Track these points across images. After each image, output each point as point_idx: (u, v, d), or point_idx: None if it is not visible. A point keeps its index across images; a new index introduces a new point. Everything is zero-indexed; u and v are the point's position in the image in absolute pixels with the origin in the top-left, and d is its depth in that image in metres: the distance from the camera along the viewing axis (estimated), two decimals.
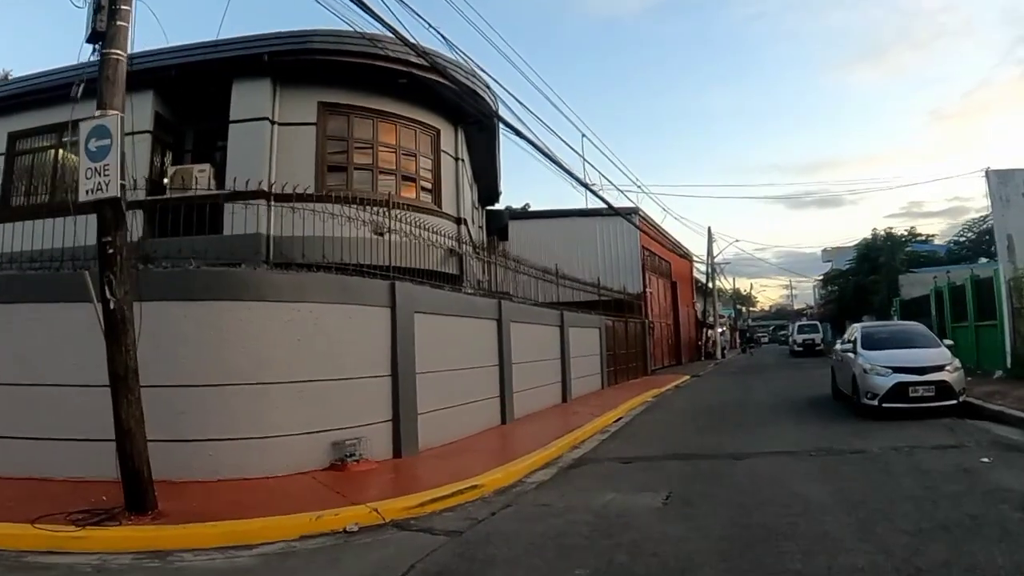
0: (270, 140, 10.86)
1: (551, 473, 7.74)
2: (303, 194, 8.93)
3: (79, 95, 5.91)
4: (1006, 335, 14.45)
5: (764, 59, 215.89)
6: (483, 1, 12.85)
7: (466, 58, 11.66)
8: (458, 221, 13.23)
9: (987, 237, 38.61)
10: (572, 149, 76.53)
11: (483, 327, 11.13)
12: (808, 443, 8.66)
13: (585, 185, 17.81)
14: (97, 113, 5.67)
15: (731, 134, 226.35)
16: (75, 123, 5.86)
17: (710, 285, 43.99)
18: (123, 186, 5.55)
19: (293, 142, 11.05)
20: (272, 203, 9.82)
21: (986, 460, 7.08)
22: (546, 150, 14.30)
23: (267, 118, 10.89)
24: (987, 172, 15.33)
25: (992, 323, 15.24)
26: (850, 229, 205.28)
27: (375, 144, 11.76)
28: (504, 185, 18.98)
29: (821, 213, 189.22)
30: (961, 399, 10.36)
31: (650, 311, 27.99)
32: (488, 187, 18.54)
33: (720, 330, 45.96)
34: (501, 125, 13.65)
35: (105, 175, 5.49)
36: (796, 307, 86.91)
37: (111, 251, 5.53)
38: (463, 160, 13.99)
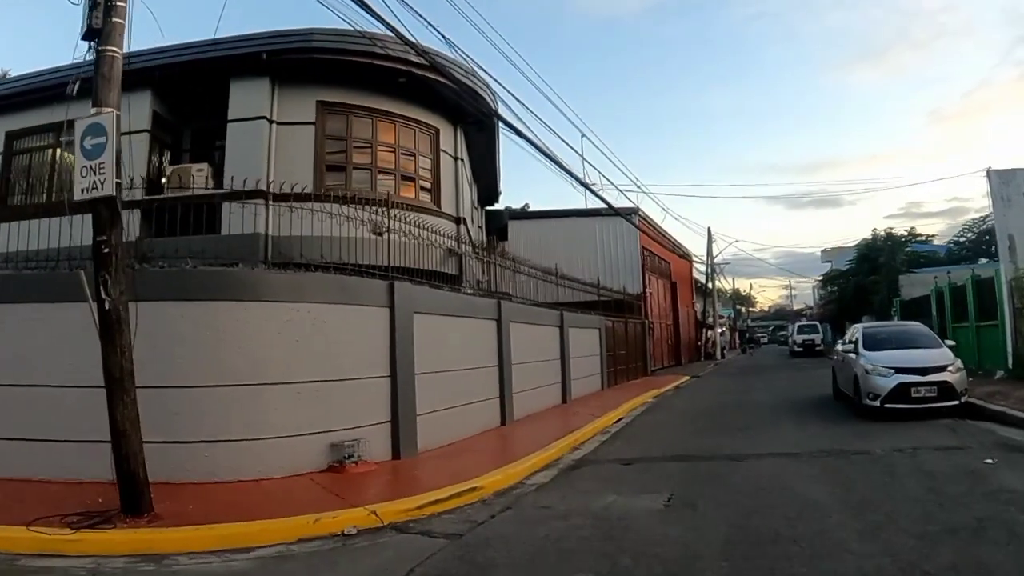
0: (268, 139, 10.80)
1: (551, 475, 7.68)
2: (301, 194, 8.87)
3: (75, 92, 5.85)
4: (1007, 335, 14.40)
5: (764, 59, 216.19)
6: (483, 0, 12.80)
7: (466, 57, 11.62)
8: (457, 221, 13.16)
9: (987, 237, 38.60)
10: (572, 148, 76.42)
11: (482, 327, 11.07)
12: (810, 444, 8.60)
13: (585, 185, 17.76)
14: (93, 111, 5.60)
15: (731, 134, 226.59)
16: (71, 122, 5.79)
17: (710, 285, 43.94)
18: (119, 184, 5.48)
19: (292, 141, 10.99)
20: (270, 203, 9.75)
21: (990, 461, 7.03)
22: (546, 150, 14.25)
23: (265, 117, 10.82)
24: (988, 172, 15.29)
25: (993, 323, 15.20)
26: (849, 230, 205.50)
27: (374, 143, 11.70)
28: (504, 185, 18.96)
29: (820, 213, 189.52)
30: (963, 400, 10.31)
31: (650, 311, 27.93)
32: (488, 187, 18.48)
33: (720, 330, 45.90)
34: (501, 124, 13.59)
35: (100, 173, 5.42)
36: (795, 307, 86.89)
37: (106, 250, 5.46)
38: (462, 160, 13.94)
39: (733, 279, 69.19)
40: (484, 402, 10.72)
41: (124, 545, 5.11)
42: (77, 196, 5.55)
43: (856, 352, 11.58)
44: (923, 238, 39.88)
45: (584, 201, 35.44)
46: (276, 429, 7.11)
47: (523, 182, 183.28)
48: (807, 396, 14.88)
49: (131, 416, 5.53)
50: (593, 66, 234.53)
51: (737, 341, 59.11)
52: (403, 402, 8.31)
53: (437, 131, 12.79)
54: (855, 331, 12.90)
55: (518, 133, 12.67)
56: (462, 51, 14.51)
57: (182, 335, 6.92)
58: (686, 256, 40.43)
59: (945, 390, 10.16)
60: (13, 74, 16.68)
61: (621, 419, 12.68)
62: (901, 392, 10.18)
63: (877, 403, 10.35)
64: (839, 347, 13.85)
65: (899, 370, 10.35)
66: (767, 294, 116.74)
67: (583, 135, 40.73)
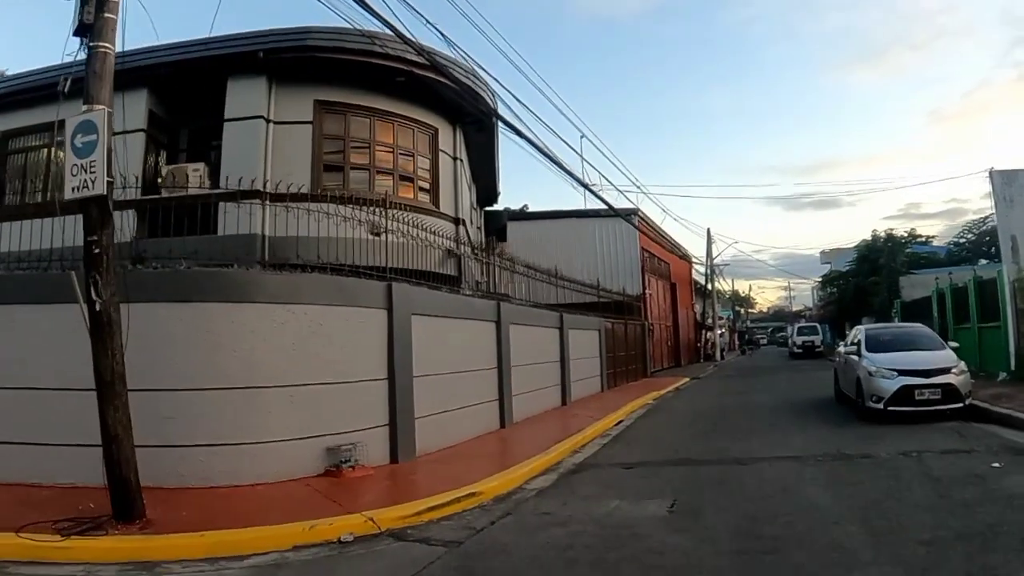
0: (265, 139, 10.70)
1: (552, 479, 7.56)
2: (298, 194, 8.76)
3: (66, 90, 5.72)
4: (1010, 337, 14.30)
5: (764, 60, 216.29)
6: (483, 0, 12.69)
7: (465, 56, 11.53)
8: (456, 221, 13.06)
9: (988, 238, 38.61)
10: (571, 148, 76.47)
11: (481, 329, 10.96)
12: (814, 447, 8.50)
13: (584, 185, 17.67)
14: (84, 108, 5.49)
15: (730, 134, 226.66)
16: (63, 122, 5.68)
17: (709, 287, 43.86)
18: (110, 183, 5.36)
19: (289, 141, 10.89)
20: (267, 203, 9.64)
21: (997, 465, 6.93)
22: (545, 150, 14.16)
23: (262, 116, 10.72)
24: (991, 172, 15.21)
25: (996, 325, 15.10)
26: (848, 231, 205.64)
27: (372, 143, 11.60)
28: (503, 186, 18.86)
29: (819, 215, 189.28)
30: (967, 402, 10.21)
31: (649, 313, 27.84)
32: (487, 187, 18.38)
33: (719, 332, 45.83)
34: (500, 124, 13.49)
35: (91, 172, 5.30)
36: (794, 309, 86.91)
37: (97, 251, 5.34)
38: (461, 160, 13.83)
39: (732, 280, 69.26)
40: (483, 405, 10.60)
41: (115, 552, 5.01)
42: (68, 195, 5.44)
43: (859, 354, 11.48)
44: (923, 239, 39.85)
45: (583, 202, 35.33)
46: (271, 433, 6.99)
47: (522, 183, 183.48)
48: (808, 398, 14.78)
49: (123, 420, 5.41)
50: (593, 66, 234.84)
51: (736, 342, 59.07)
52: (401, 405, 8.20)
53: (436, 131, 12.69)
54: (857, 333, 12.80)
55: (518, 133, 12.58)
56: (462, 50, 14.44)
57: (176, 337, 6.80)
58: (686, 257, 40.36)
59: (949, 392, 10.06)
60: (11, 73, 16.56)
61: (621, 422, 12.57)
62: (905, 394, 10.08)
63: (880, 405, 10.25)
64: (841, 349, 13.75)
65: (902, 372, 10.25)
66: (766, 295, 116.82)
67: (582, 135, 40.75)
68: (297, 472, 7.07)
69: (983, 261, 34.61)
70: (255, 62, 10.55)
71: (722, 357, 41.93)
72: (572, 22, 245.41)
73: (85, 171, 5.32)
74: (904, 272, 30.71)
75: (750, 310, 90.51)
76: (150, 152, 11.37)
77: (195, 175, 10.37)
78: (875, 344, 11.56)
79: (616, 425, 12.11)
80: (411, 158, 12.18)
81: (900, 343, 11.51)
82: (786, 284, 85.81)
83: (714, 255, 42.68)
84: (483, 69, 13.27)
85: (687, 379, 22.94)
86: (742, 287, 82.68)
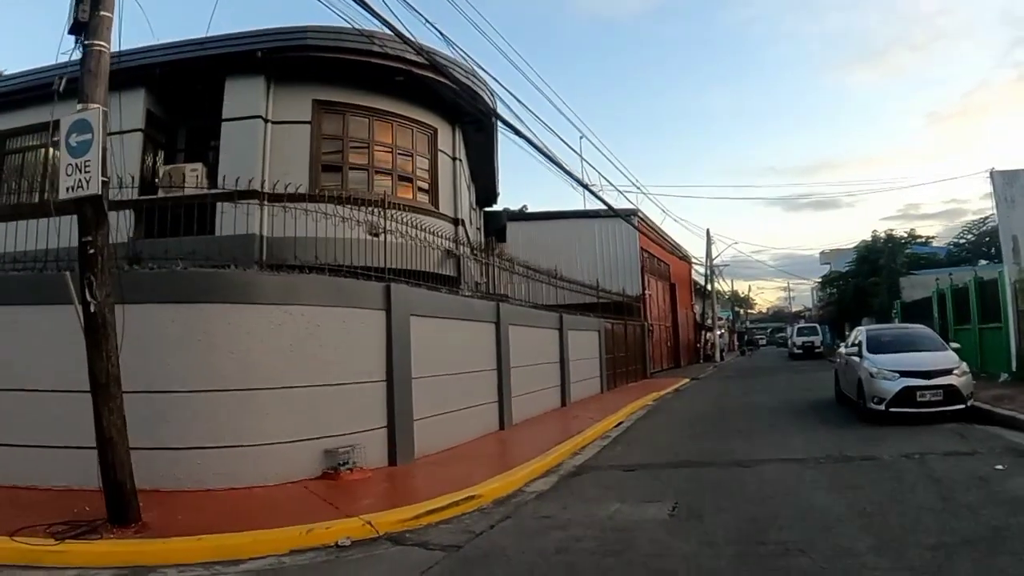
0: (263, 139, 10.65)
1: (552, 482, 7.50)
2: (296, 194, 8.70)
3: (61, 89, 5.67)
4: (1011, 338, 14.23)
5: (763, 60, 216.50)
6: None
7: (465, 56, 11.47)
8: (455, 222, 13.00)
9: (988, 239, 38.59)
10: (571, 148, 76.52)
11: (481, 330, 10.89)
12: (816, 449, 8.43)
13: (584, 186, 17.61)
14: (79, 107, 5.42)
15: (730, 134, 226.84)
16: (58, 121, 5.62)
17: (708, 287, 43.81)
18: (105, 183, 5.29)
19: (287, 141, 10.84)
20: (265, 203, 9.58)
21: (1001, 467, 6.87)
22: (545, 150, 14.09)
23: (261, 116, 10.68)
24: (992, 173, 15.15)
25: (997, 326, 15.03)
26: (848, 231, 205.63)
27: (371, 143, 11.54)
28: (502, 186, 18.81)
29: (818, 215, 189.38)
30: (969, 404, 10.15)
31: (649, 313, 27.78)
32: (486, 188, 18.33)
33: (719, 332, 45.78)
34: (500, 124, 13.43)
35: (86, 171, 5.24)
36: (794, 309, 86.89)
37: (92, 251, 5.28)
38: (461, 160, 13.78)
39: (732, 281, 69.24)
40: (482, 406, 10.54)
41: (110, 556, 4.95)
42: (62, 195, 5.38)
43: (860, 355, 11.41)
44: (923, 240, 39.80)
45: (583, 202, 35.31)
46: (268, 435, 6.92)
47: (522, 183, 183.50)
48: (809, 399, 14.72)
49: (117, 423, 5.35)
50: (593, 66, 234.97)
51: (736, 343, 59.03)
52: (399, 407, 8.13)
53: (435, 131, 12.64)
54: (858, 334, 12.73)
55: (517, 133, 12.52)
56: (461, 50, 14.37)
57: (172, 338, 6.74)
58: (685, 258, 40.30)
59: (951, 394, 10.00)
60: (8, 73, 16.49)
61: (621, 423, 12.51)
62: (906, 396, 10.02)
63: (882, 407, 10.19)
64: (842, 350, 13.69)
65: (904, 373, 10.19)
66: (765, 296, 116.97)
67: (582, 135, 40.68)
68: (294, 475, 7.01)
69: (983, 262, 34.60)
70: (253, 61, 10.50)
71: (722, 358, 41.86)
72: (572, 22, 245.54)
73: (80, 171, 5.26)
74: (904, 273, 30.65)
75: (749, 311, 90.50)
76: (148, 152, 11.31)
77: (193, 175, 10.32)
78: (876, 345, 11.50)
79: (616, 427, 12.04)
80: (410, 158, 12.12)
81: (901, 344, 11.44)
82: (785, 285, 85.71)
83: (714, 255, 42.65)
84: (482, 69, 13.25)
85: (687, 380, 22.88)
86: (741, 288, 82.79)
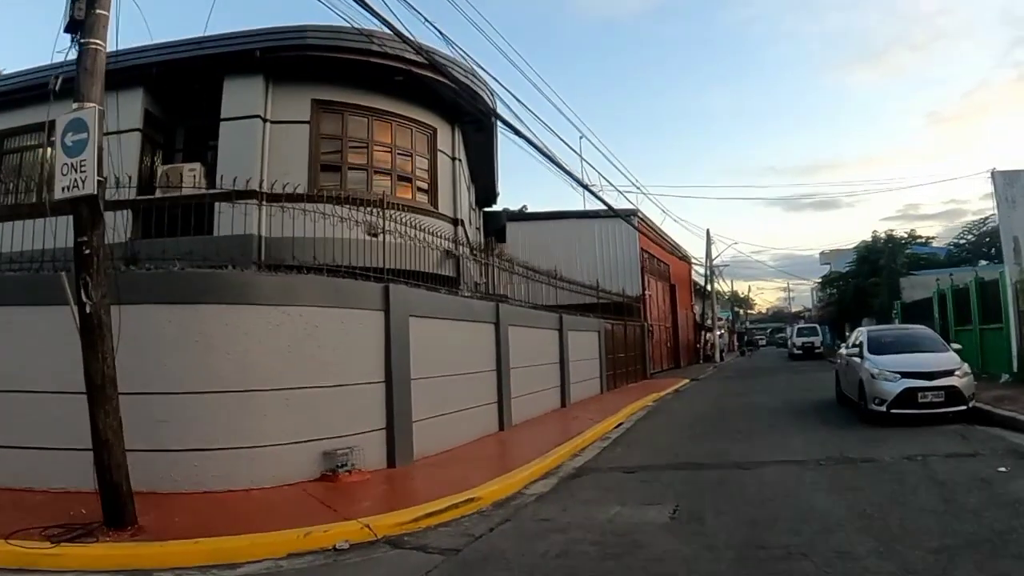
0: (262, 138, 10.62)
1: (551, 484, 7.45)
2: (295, 194, 8.65)
3: (57, 88, 5.62)
4: (1012, 338, 14.19)
5: (763, 60, 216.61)
6: None
7: (464, 55, 11.43)
8: (455, 222, 12.96)
9: (988, 239, 38.58)
10: (571, 148, 76.43)
11: (480, 331, 10.84)
12: (817, 451, 8.39)
13: (584, 186, 17.56)
14: (74, 106, 5.38)
15: (730, 134, 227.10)
16: (54, 121, 5.57)
17: (708, 288, 43.76)
18: (100, 183, 5.25)
19: (286, 141, 10.80)
20: (263, 203, 9.54)
21: (1003, 470, 6.83)
22: (545, 150, 14.05)
23: (259, 116, 10.65)
24: (993, 173, 15.08)
25: (997, 326, 15.00)
26: (847, 232, 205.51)
27: (370, 143, 11.50)
28: (502, 186, 18.77)
29: (818, 216, 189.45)
30: (971, 405, 10.11)
31: (649, 314, 27.72)
32: (485, 188, 18.29)
33: (719, 333, 45.74)
34: (499, 124, 13.39)
35: (82, 171, 5.20)
36: (793, 310, 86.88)
37: (87, 252, 5.24)
38: (460, 160, 13.74)
39: (732, 281, 69.22)
40: (482, 407, 10.49)
41: (106, 560, 4.91)
42: (58, 195, 5.33)
43: (861, 356, 11.37)
44: (923, 240, 39.78)
45: (583, 203, 35.28)
46: (266, 437, 6.87)
47: (521, 183, 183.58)
48: (809, 399, 14.68)
49: (113, 425, 5.30)
50: (593, 66, 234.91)
51: (735, 343, 58.99)
52: (398, 408, 8.08)
53: (434, 131, 12.59)
54: (859, 334, 12.69)
55: (517, 133, 12.48)
56: (460, 49, 14.31)
57: (169, 339, 6.69)
58: (685, 258, 40.25)
59: (952, 395, 9.96)
60: (6, 73, 16.46)
61: (621, 424, 12.47)
62: (908, 397, 9.98)
63: (883, 408, 10.15)
64: (843, 351, 13.65)
65: (905, 374, 10.15)
66: (765, 296, 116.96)
67: (582, 135, 40.62)
68: (293, 477, 6.96)
69: (983, 262, 34.61)
70: (252, 61, 10.46)
71: (721, 358, 41.82)
72: (572, 22, 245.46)
73: (75, 170, 5.22)
74: (904, 273, 30.63)
75: (749, 311, 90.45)
76: (146, 152, 11.28)
77: (191, 175, 10.27)
78: (877, 346, 11.46)
79: (616, 428, 12.00)
80: (409, 158, 12.08)
81: (903, 345, 11.39)
82: (785, 285, 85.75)
83: (713, 256, 42.63)
84: (482, 68, 13.22)
85: (687, 380, 22.83)
86: (741, 288, 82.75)
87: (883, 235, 35.84)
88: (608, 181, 65.67)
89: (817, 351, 36.13)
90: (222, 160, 10.33)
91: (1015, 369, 14.07)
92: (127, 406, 5.51)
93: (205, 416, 6.68)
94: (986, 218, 39.98)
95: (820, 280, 56.41)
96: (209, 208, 9.33)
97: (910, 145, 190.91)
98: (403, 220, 9.45)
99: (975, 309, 16.46)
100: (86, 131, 5.23)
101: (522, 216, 25.63)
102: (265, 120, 10.67)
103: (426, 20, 9.43)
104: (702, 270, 43.39)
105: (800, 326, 45.45)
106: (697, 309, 44.13)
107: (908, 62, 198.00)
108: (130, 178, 8.53)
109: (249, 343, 6.91)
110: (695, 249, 43.39)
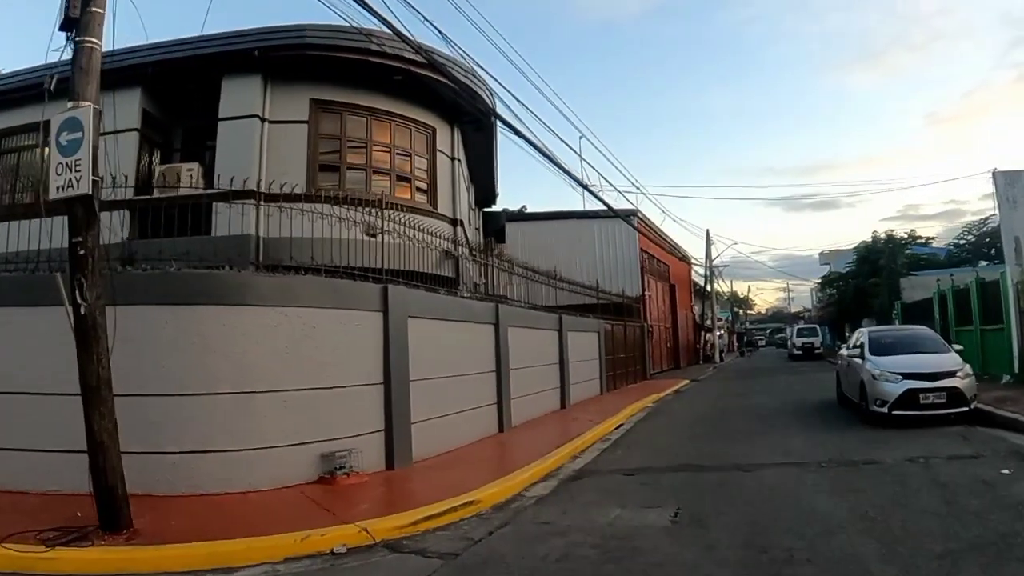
0: (260, 138, 10.57)
1: (551, 486, 7.39)
2: (292, 194, 8.59)
3: (52, 87, 5.57)
4: (1014, 339, 14.14)
5: (763, 60, 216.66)
6: None
7: (464, 55, 11.38)
8: (454, 222, 12.91)
9: (988, 240, 38.55)
10: (571, 148, 76.36)
11: (479, 332, 10.79)
12: (817, 453, 8.34)
13: (584, 186, 17.52)
14: (69, 105, 5.32)
15: (730, 135, 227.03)
16: (48, 121, 5.51)
17: (708, 288, 43.73)
18: (95, 182, 5.19)
19: (284, 140, 10.75)
20: (261, 203, 9.48)
21: (1007, 472, 6.78)
22: (544, 150, 14.01)
23: (257, 115, 10.60)
24: (994, 173, 15.03)
25: (998, 327, 14.96)
26: (847, 232, 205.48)
27: (369, 143, 11.45)
28: (501, 186, 18.72)
29: (817, 216, 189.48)
30: (972, 406, 10.06)
31: (649, 315, 27.67)
32: (485, 188, 18.24)
33: (718, 333, 45.72)
34: (499, 124, 13.34)
35: (76, 171, 5.14)
36: (793, 310, 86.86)
37: (82, 252, 5.18)
38: (459, 160, 13.68)
39: (731, 282, 69.21)
40: (481, 408, 10.43)
41: (100, 564, 4.85)
42: (52, 195, 5.28)
43: (862, 357, 11.32)
44: (923, 240, 39.77)
45: (583, 203, 35.21)
46: (264, 439, 6.81)
47: (521, 183, 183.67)
48: (810, 400, 14.63)
49: (108, 427, 5.24)
50: (593, 66, 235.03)
51: (735, 344, 58.96)
52: (397, 410, 8.03)
53: (434, 130, 12.54)
54: (860, 335, 12.64)
55: (516, 132, 12.44)
56: (460, 48, 14.24)
57: (166, 340, 6.63)
58: (685, 258, 40.21)
59: (954, 396, 9.91)
60: (4, 72, 16.41)
61: (621, 425, 12.41)
62: (909, 398, 9.93)
63: (885, 409, 10.10)
64: (844, 351, 13.59)
65: (907, 376, 10.10)
66: (764, 296, 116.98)
67: (581, 135, 40.49)
68: (290, 479, 6.90)
69: (983, 263, 34.59)
70: (250, 60, 10.42)
71: (721, 359, 41.79)
72: (572, 22, 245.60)
73: (70, 170, 5.16)
74: (904, 273, 30.61)
75: (749, 311, 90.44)
76: (144, 152, 11.23)
77: (188, 175, 10.22)
78: (878, 347, 11.42)
79: (616, 429, 11.95)
80: (408, 158, 12.03)
81: (904, 346, 11.34)
82: (785, 285, 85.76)
83: (713, 256, 42.61)
84: (482, 68, 13.18)
85: (687, 381, 22.79)
86: (741, 288, 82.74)
87: (883, 235, 35.84)
88: (608, 181, 65.67)
89: (817, 352, 36.11)
90: (220, 160, 10.28)
91: (1016, 370, 14.02)
92: (123, 408, 5.45)
93: (202, 418, 6.62)
94: (986, 218, 39.99)
95: (820, 280, 56.41)
96: (207, 208, 9.27)
97: (910, 145, 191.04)
98: (402, 220, 9.40)
99: (976, 310, 16.41)
100: (81, 130, 5.17)
101: (521, 216, 25.59)
102: (263, 120, 10.63)
103: (425, 19, 9.40)
104: (702, 270, 43.40)
105: (800, 326, 45.42)
106: (697, 309, 44.10)
107: (907, 62, 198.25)
108: (126, 177, 8.45)
109: (246, 344, 6.85)
110: (695, 249, 43.43)
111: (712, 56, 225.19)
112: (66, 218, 5.40)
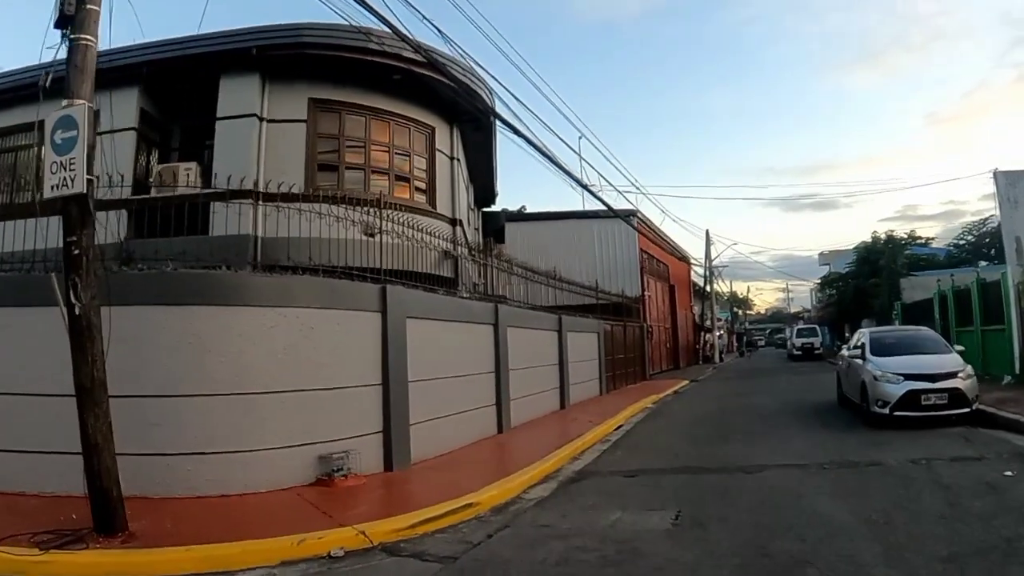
0: (258, 137, 10.52)
1: (551, 488, 7.33)
2: (290, 193, 8.54)
3: (47, 85, 5.50)
4: (1015, 340, 14.10)
5: (763, 60, 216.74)
6: None
7: (463, 54, 11.32)
8: (453, 222, 12.85)
9: (988, 240, 38.51)
10: (570, 148, 76.30)
11: (479, 332, 10.73)
12: (819, 454, 8.29)
13: (583, 186, 17.47)
14: (64, 103, 5.26)
15: (729, 135, 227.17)
16: (43, 120, 5.46)
17: (708, 288, 43.68)
18: (90, 181, 5.13)
19: (282, 140, 10.70)
20: (259, 203, 9.43)
21: (1010, 474, 6.73)
22: (544, 149, 13.95)
23: (255, 115, 10.54)
24: (995, 173, 14.99)
25: (999, 327, 14.92)
26: (846, 232, 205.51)
27: (367, 142, 11.39)
28: (500, 186, 18.66)
29: (817, 216, 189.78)
30: (974, 407, 10.01)
31: (648, 315, 27.63)
32: (484, 188, 18.18)
33: (718, 333, 45.67)
34: (498, 123, 13.29)
35: (71, 169, 5.08)
36: (792, 311, 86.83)
37: (76, 252, 5.12)
38: (459, 160, 13.63)
39: (731, 282, 69.18)
40: (480, 409, 10.38)
41: (95, 567, 4.80)
42: (47, 194, 5.22)
43: (863, 358, 11.27)
44: (923, 241, 39.73)
45: (582, 203, 35.12)
46: (261, 441, 6.76)
47: (520, 183, 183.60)
48: (810, 401, 14.58)
49: (103, 429, 5.18)
50: (592, 66, 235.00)
51: (735, 344, 58.93)
52: (396, 411, 7.97)
53: (433, 130, 12.48)
54: (861, 336, 12.59)
55: (516, 132, 12.38)
56: (459, 48, 14.19)
57: (162, 341, 6.57)
58: (684, 259, 40.17)
59: (956, 397, 9.87)
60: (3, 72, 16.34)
61: (621, 426, 12.36)
62: (911, 399, 9.88)
63: (886, 411, 10.04)
64: (844, 352, 13.55)
65: (908, 376, 10.05)
66: (764, 297, 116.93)
67: (581, 135, 40.33)
68: (288, 481, 6.84)
69: (983, 263, 34.52)
70: (248, 59, 10.36)
71: (721, 359, 41.76)
72: (572, 22, 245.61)
73: (65, 168, 5.10)
74: (904, 274, 30.57)
75: (748, 312, 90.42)
76: (141, 151, 11.17)
77: (186, 174, 10.17)
78: (880, 348, 11.36)
79: (616, 430, 11.89)
80: (407, 158, 11.97)
81: (905, 347, 11.29)
82: (784, 286, 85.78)
83: (713, 256, 42.57)
84: (481, 67, 13.12)
85: (686, 382, 22.75)
86: (740, 289, 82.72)
87: (883, 236, 35.78)
88: (607, 181, 65.61)
89: (817, 352, 36.09)
90: (218, 159, 10.22)
91: (1017, 371, 13.98)
92: (119, 409, 5.40)
93: (198, 419, 6.56)
94: (986, 219, 39.97)
95: (819, 281, 56.35)
96: (204, 208, 9.21)
97: (909, 145, 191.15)
98: (400, 220, 9.34)
99: (977, 310, 16.37)
100: (76, 128, 5.11)
101: (521, 216, 25.52)
102: (261, 119, 10.57)
103: (424, 18, 9.33)
104: (701, 271, 43.35)
105: (799, 327, 45.40)
106: (696, 310, 44.06)
107: (907, 63, 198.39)
108: (123, 177, 8.39)
109: (244, 345, 6.80)
110: (694, 249, 43.37)
111: (712, 56, 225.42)
112: (60, 217, 5.35)
